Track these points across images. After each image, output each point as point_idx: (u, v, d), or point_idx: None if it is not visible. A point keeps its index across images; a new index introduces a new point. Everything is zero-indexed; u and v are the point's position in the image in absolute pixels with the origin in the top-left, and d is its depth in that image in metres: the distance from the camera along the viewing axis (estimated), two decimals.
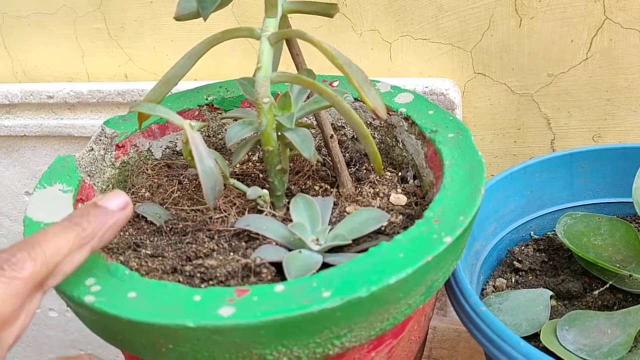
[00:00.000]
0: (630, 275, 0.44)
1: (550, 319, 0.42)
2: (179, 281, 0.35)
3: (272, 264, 0.36)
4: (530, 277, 0.49)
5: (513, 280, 0.48)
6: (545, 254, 0.50)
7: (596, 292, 0.43)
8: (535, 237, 0.53)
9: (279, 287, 0.30)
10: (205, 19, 0.39)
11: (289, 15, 0.40)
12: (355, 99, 0.47)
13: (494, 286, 0.48)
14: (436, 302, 0.69)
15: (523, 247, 0.52)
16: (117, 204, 0.31)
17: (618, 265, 0.44)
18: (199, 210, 0.42)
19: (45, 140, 0.78)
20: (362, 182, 0.44)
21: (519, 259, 0.50)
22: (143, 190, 0.44)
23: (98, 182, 0.42)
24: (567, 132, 0.62)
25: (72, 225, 0.30)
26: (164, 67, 0.72)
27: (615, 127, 0.60)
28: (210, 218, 0.41)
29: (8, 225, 0.88)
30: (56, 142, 0.78)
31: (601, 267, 0.45)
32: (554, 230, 0.50)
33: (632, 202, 0.45)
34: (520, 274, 0.49)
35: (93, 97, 0.71)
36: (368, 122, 0.47)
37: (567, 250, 0.50)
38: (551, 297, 0.44)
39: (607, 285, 0.43)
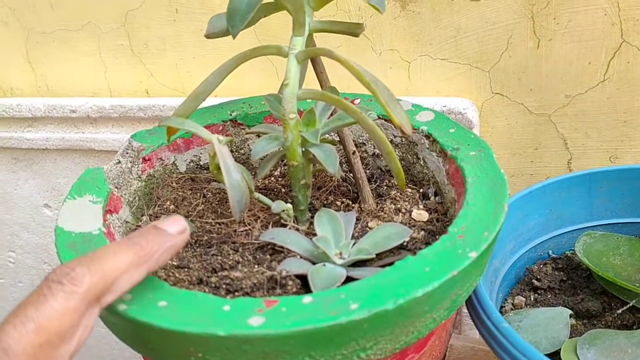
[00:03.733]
0: None
1: (570, 338, 0.42)
2: (204, 292, 0.36)
3: (297, 276, 0.36)
4: (549, 296, 0.49)
5: (532, 299, 0.49)
6: (564, 273, 0.51)
7: (619, 311, 0.43)
8: (554, 255, 0.53)
9: (307, 298, 0.30)
10: (234, 37, 0.40)
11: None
12: (378, 117, 0.47)
13: (512, 304, 0.49)
14: None
15: (542, 266, 0.52)
16: (176, 228, 0.32)
17: (637, 284, 0.44)
18: (223, 223, 0.42)
19: (66, 154, 0.79)
20: (383, 198, 0.45)
21: (538, 277, 0.50)
22: (168, 202, 0.45)
23: (125, 194, 0.43)
24: (584, 152, 0.62)
25: (131, 244, 0.30)
26: (185, 83, 0.74)
27: (632, 148, 0.61)
28: (235, 231, 0.41)
29: (26, 236, 0.89)
30: (77, 156, 0.79)
31: (620, 286, 0.45)
32: (573, 249, 0.50)
33: None
34: (539, 292, 0.49)
35: (115, 112, 0.73)
36: (390, 139, 0.48)
37: (585, 269, 0.50)
38: (570, 315, 0.44)
39: (630, 305, 0.44)
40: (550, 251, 0.53)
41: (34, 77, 0.80)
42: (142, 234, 0.31)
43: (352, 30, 0.41)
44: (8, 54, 0.79)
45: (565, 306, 0.47)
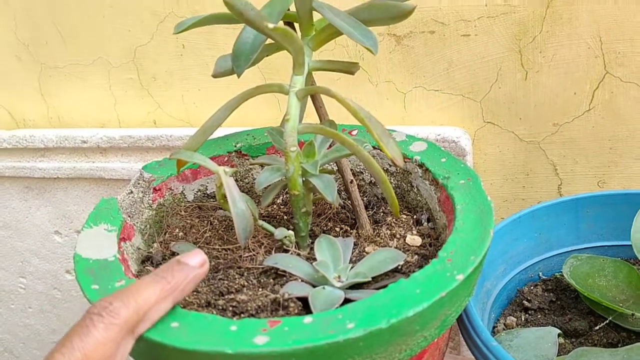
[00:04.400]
0: (633, 314, 0.46)
1: (558, 356, 0.44)
2: (213, 314, 0.38)
3: (299, 298, 0.39)
4: (539, 316, 0.51)
5: (523, 319, 0.51)
6: (553, 294, 0.53)
7: (597, 328, 0.46)
8: (544, 277, 0.55)
9: (308, 319, 0.33)
10: (239, 76, 0.43)
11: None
12: (374, 147, 0.50)
13: (504, 324, 0.51)
14: (450, 341, 0.72)
15: (532, 287, 0.54)
16: (197, 261, 0.36)
17: (621, 304, 0.47)
18: (229, 249, 0.45)
19: (77, 182, 0.82)
20: (379, 224, 0.48)
21: (528, 298, 0.53)
22: (177, 230, 0.48)
23: (137, 222, 0.46)
24: (573, 178, 0.65)
25: (159, 278, 0.34)
26: (191, 114, 0.77)
27: (618, 174, 0.64)
28: (240, 256, 0.44)
29: (36, 263, 0.91)
30: (87, 184, 0.82)
31: (605, 306, 0.47)
32: (562, 271, 0.53)
33: None
34: (530, 312, 0.52)
35: (124, 142, 0.76)
36: (385, 169, 0.51)
37: (573, 290, 0.52)
38: (559, 334, 0.47)
39: (607, 321, 0.46)
40: (540, 273, 0.56)
41: (46, 109, 0.83)
42: (168, 268, 0.35)
43: (348, 69, 0.44)
44: (22, 87, 0.83)
45: (555, 325, 0.49)
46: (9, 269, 0.93)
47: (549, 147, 0.64)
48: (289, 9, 0.44)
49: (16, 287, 0.95)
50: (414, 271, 0.39)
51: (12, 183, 0.85)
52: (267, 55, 0.46)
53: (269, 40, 0.43)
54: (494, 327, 0.51)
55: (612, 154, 0.63)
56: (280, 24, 0.44)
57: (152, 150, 0.76)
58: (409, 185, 0.50)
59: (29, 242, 0.90)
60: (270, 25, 0.36)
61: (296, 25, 0.45)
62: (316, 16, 0.44)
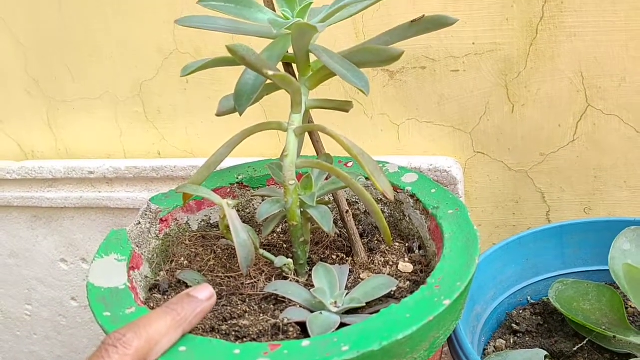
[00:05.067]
0: (615, 337, 0.49)
1: None
2: (217, 338, 0.41)
3: (297, 323, 0.41)
4: (527, 339, 0.54)
5: (512, 342, 0.54)
6: (541, 317, 0.56)
7: (575, 348, 0.48)
8: (532, 301, 0.58)
9: (306, 342, 0.36)
10: (240, 115, 0.46)
11: None
12: (367, 179, 0.53)
13: (494, 347, 0.53)
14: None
15: (521, 311, 0.57)
16: (205, 295, 0.39)
17: (604, 327, 0.49)
18: (231, 276, 0.48)
19: (83, 212, 0.85)
20: (374, 252, 0.50)
21: (517, 321, 0.55)
22: (182, 258, 0.51)
23: (145, 252, 0.49)
24: (561, 205, 0.68)
25: (169, 310, 0.37)
26: (194, 145, 0.80)
27: (603, 201, 0.66)
28: (242, 283, 0.47)
29: (42, 290, 0.94)
30: (93, 213, 0.85)
31: (589, 329, 0.50)
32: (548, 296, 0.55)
33: None
34: (518, 335, 0.54)
35: (130, 173, 0.79)
36: (379, 199, 0.54)
37: (560, 313, 0.55)
38: (546, 356, 0.49)
39: (587, 341, 0.49)
40: (529, 297, 0.58)
41: (54, 141, 0.87)
42: (178, 301, 0.38)
43: (343, 107, 0.47)
44: (31, 120, 0.86)
45: (542, 348, 0.51)
46: (15, 296, 0.95)
47: (536, 176, 0.67)
48: (287, 51, 0.47)
49: (22, 314, 0.97)
50: (405, 296, 0.41)
51: (21, 213, 0.88)
52: (267, 94, 0.50)
53: (269, 81, 0.46)
54: (484, 350, 0.53)
55: (597, 183, 0.66)
56: (280, 65, 0.47)
57: (157, 180, 0.79)
58: (401, 214, 0.53)
59: (35, 270, 0.92)
60: (270, 73, 0.39)
61: (294, 64, 0.49)
62: (313, 57, 0.47)
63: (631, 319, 0.53)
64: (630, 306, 0.54)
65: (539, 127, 0.65)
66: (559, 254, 0.57)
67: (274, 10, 0.48)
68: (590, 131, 0.64)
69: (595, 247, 0.57)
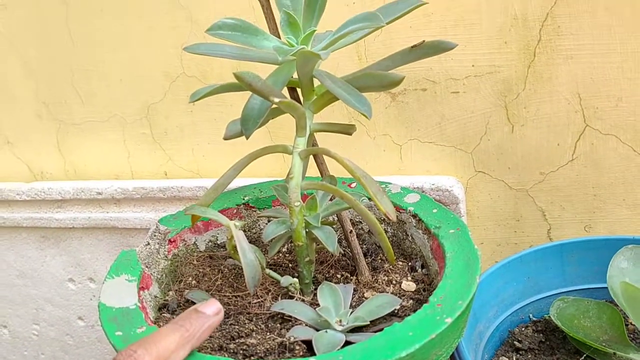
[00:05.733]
0: (615, 353, 0.49)
1: None
2: (225, 357, 0.42)
3: (303, 341, 0.42)
4: (529, 356, 0.54)
5: (514, 359, 0.54)
6: (542, 335, 0.56)
7: None
8: (534, 319, 0.59)
9: None
10: (247, 139, 0.48)
11: None
12: (370, 199, 0.55)
13: None
14: None
15: (523, 328, 0.58)
16: (212, 310, 0.40)
17: (604, 344, 0.50)
18: (239, 296, 0.49)
19: (91, 232, 0.87)
20: (377, 271, 0.52)
21: (519, 339, 0.56)
22: (190, 278, 0.52)
23: (154, 272, 0.50)
24: (561, 223, 0.69)
25: (178, 327, 0.38)
26: (200, 166, 0.82)
27: (603, 218, 0.68)
28: (249, 303, 0.48)
29: (50, 310, 0.95)
30: (100, 233, 0.86)
31: (590, 345, 0.51)
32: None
33: None
34: (521, 352, 0.55)
35: (137, 193, 0.80)
36: (382, 219, 0.55)
37: (562, 331, 0.56)
38: None
39: (584, 357, 0.49)
40: (531, 315, 0.59)
41: (63, 162, 0.88)
42: (186, 317, 0.39)
43: (346, 130, 0.49)
44: (40, 143, 0.88)
45: None
46: (23, 316, 0.97)
47: (537, 194, 0.69)
48: (292, 76, 0.49)
49: (30, 334, 0.98)
50: (408, 315, 0.42)
51: (30, 233, 0.90)
52: (272, 118, 0.51)
53: (274, 105, 0.48)
54: None
55: (596, 201, 0.67)
56: (285, 89, 0.49)
57: (164, 200, 0.81)
58: (404, 234, 0.54)
59: (43, 290, 0.93)
60: (276, 100, 0.41)
61: (299, 89, 0.50)
62: (317, 81, 0.49)
63: (631, 335, 0.54)
64: (630, 323, 0.55)
65: (538, 147, 0.66)
66: (560, 271, 0.58)
67: (279, 37, 0.49)
68: (588, 150, 0.65)
69: (595, 265, 0.58)
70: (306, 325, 0.45)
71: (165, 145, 0.82)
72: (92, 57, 0.80)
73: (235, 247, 0.45)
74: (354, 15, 0.45)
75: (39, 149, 0.88)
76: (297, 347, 0.42)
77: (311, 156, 0.51)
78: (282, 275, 0.49)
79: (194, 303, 0.48)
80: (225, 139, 0.49)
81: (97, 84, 0.81)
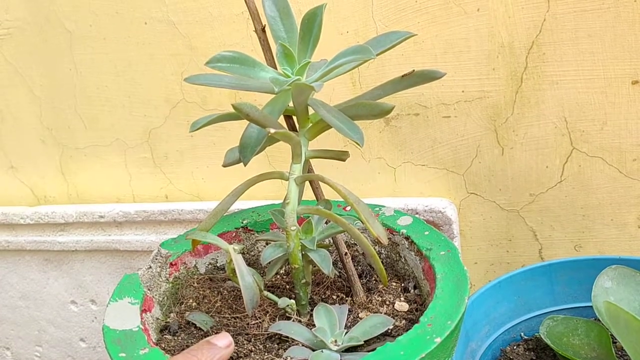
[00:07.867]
0: None
1: None
2: None
3: None
4: None
5: None
6: (534, 353, 0.58)
7: None
8: (525, 337, 0.60)
9: None
10: (245, 165, 0.50)
11: None
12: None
13: None
14: None
15: (515, 347, 0.59)
16: (224, 343, 0.42)
17: None
18: (237, 317, 0.51)
19: (93, 254, 0.88)
20: (372, 292, 0.53)
21: (511, 357, 0.58)
22: (191, 300, 0.54)
23: (156, 295, 0.52)
24: (552, 242, 0.71)
25: (190, 357, 0.40)
26: (200, 189, 0.84)
27: (592, 238, 0.69)
28: (248, 324, 0.50)
29: (52, 331, 0.96)
30: (103, 256, 0.88)
31: None
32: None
33: None
34: None
35: (139, 216, 0.82)
36: (375, 241, 0.57)
37: (552, 349, 0.57)
38: None
39: None
40: (522, 333, 0.61)
41: (66, 186, 0.90)
42: (198, 348, 0.41)
43: (340, 156, 0.51)
44: (44, 167, 0.90)
45: None
46: (26, 337, 0.98)
47: (527, 215, 0.71)
48: (288, 105, 0.51)
49: (32, 356, 0.99)
50: (401, 334, 0.44)
51: (33, 256, 0.91)
52: (269, 145, 0.53)
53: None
54: None
55: (585, 221, 0.69)
56: (281, 118, 0.51)
57: (165, 223, 0.82)
58: (397, 255, 0.56)
59: (45, 312, 0.95)
60: (272, 131, 0.43)
61: (294, 117, 0.53)
62: (311, 109, 0.51)
63: (619, 353, 0.55)
64: (618, 341, 0.56)
65: (528, 169, 0.68)
66: (549, 291, 0.60)
67: (275, 67, 0.52)
68: (576, 172, 0.67)
69: (583, 284, 0.60)
70: (303, 345, 0.46)
71: (166, 169, 0.84)
72: (95, 83, 0.82)
73: (234, 270, 0.47)
74: (347, 45, 0.48)
75: (43, 173, 0.91)
76: None
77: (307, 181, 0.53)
78: (279, 297, 0.51)
79: (194, 324, 0.50)
80: (224, 166, 0.51)
81: (99, 110, 0.83)
